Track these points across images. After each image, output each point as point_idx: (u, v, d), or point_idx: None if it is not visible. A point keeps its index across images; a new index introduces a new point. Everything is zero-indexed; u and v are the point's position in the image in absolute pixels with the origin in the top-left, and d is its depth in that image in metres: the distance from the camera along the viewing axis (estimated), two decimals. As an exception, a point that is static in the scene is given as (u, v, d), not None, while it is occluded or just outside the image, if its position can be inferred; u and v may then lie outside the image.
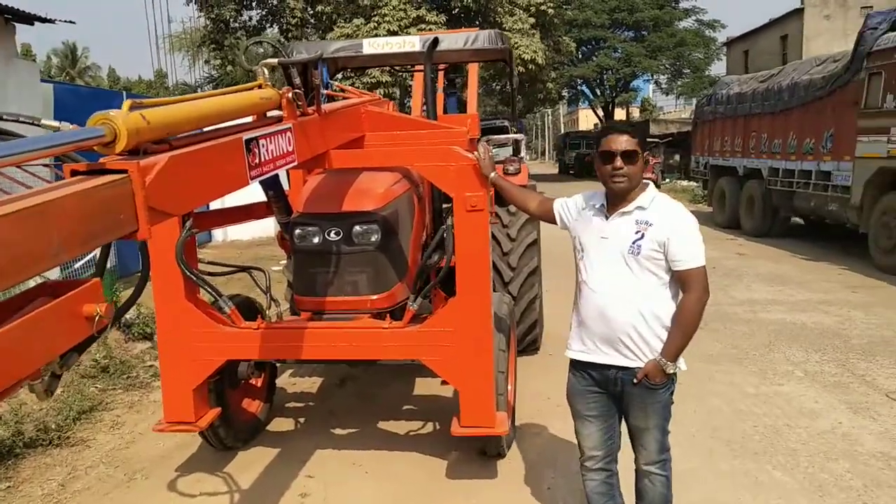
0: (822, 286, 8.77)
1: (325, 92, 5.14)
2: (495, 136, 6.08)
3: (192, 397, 3.68)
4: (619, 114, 44.78)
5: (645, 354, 2.70)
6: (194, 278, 3.57)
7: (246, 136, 2.48)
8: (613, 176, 2.71)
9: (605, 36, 37.64)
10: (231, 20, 22.61)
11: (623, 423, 2.94)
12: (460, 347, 3.47)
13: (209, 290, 3.63)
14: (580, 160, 37.05)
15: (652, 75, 40.72)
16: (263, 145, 2.62)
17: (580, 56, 38.39)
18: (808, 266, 10.23)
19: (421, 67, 6.49)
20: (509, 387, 4.08)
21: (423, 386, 5.32)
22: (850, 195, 10.35)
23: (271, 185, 4.40)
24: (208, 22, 22.80)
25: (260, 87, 2.91)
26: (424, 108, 5.36)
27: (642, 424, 2.82)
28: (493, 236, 5.47)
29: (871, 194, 9.95)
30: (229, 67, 22.90)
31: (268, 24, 23.35)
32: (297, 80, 3.16)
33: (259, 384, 4.67)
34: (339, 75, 6.98)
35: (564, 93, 42.76)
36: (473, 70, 6.86)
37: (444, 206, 5.03)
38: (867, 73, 10.10)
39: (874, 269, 9.65)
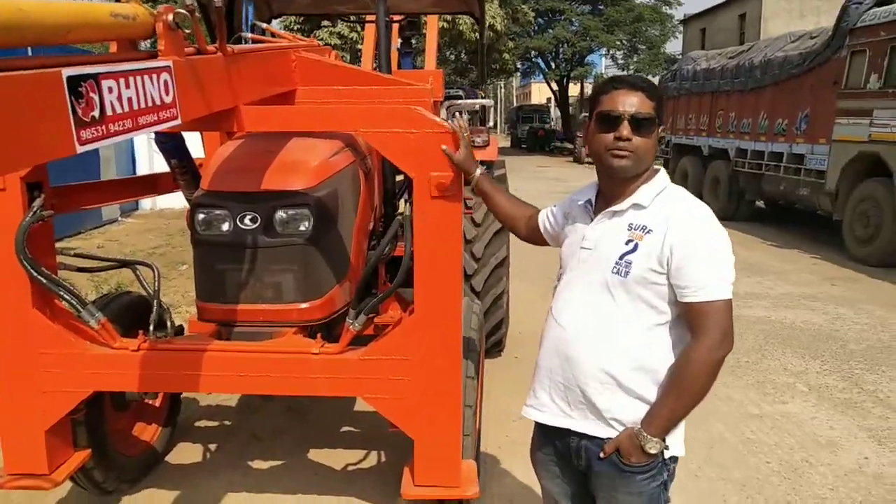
0: (802, 278, 8.17)
1: (248, 35, 4.11)
2: (461, 101, 5.12)
3: (45, 440, 2.68)
4: (574, 89, 44.13)
5: (620, 422, 1.82)
6: (44, 280, 2.54)
7: (71, 70, 1.49)
8: (615, 150, 1.78)
9: (562, 8, 36.65)
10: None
11: None
12: (417, 383, 2.54)
13: (66, 296, 2.60)
14: (533, 134, 36.83)
15: (608, 50, 40.03)
16: (111, 90, 1.61)
17: (536, 28, 37.35)
18: (780, 254, 9.64)
19: (373, 19, 5.49)
20: (477, 416, 3.20)
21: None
22: (825, 180, 9.81)
23: (174, 150, 3.39)
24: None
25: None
26: (376, 64, 4.38)
27: None
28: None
29: (848, 180, 9.39)
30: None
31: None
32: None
33: (157, 404, 3.66)
34: (277, 24, 5.88)
35: (519, 65, 41.80)
36: (433, 22, 5.86)
37: (399, 178, 4.08)
38: (849, 51, 9.50)
39: (847, 258, 9.12)
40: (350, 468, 3.62)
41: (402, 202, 2.72)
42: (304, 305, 2.89)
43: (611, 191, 1.87)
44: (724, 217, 12.42)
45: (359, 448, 3.80)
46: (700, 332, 1.71)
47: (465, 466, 2.70)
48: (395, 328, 2.62)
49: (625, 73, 41.93)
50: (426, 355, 2.52)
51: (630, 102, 1.78)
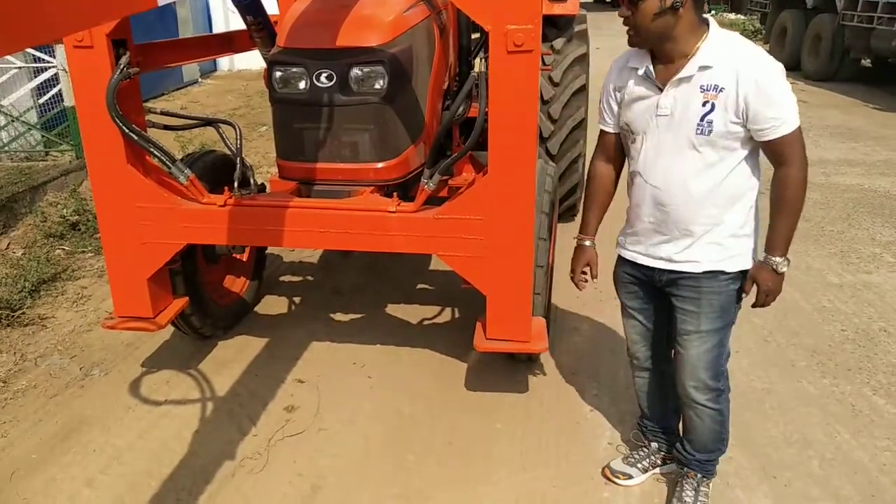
0: (903, 144, 7.64)
1: None
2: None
3: (148, 287, 2.91)
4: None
5: (708, 255, 2.11)
6: (136, 137, 2.66)
7: (148, -82, 1.48)
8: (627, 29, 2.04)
9: None
10: None
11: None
12: (490, 242, 2.60)
13: (156, 152, 2.72)
14: (619, -13, 34.25)
15: None
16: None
17: None
18: (882, 118, 8.97)
19: None
20: (548, 276, 3.25)
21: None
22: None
23: (249, 7, 3.34)
24: None
25: None
26: None
27: (691, 325, 2.19)
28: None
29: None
30: None
31: None
32: None
33: (245, 258, 3.89)
34: None
35: None
36: None
37: (474, 37, 3.94)
38: None
39: (961, 124, 8.41)
40: (425, 322, 3.80)
41: (477, 61, 2.64)
42: (380, 165, 2.93)
43: (668, 57, 2.01)
44: (824, 77, 11.56)
45: (433, 304, 3.96)
46: (787, 160, 1.97)
47: (535, 323, 2.80)
48: (469, 188, 2.64)
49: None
50: (499, 215, 2.55)
51: None
